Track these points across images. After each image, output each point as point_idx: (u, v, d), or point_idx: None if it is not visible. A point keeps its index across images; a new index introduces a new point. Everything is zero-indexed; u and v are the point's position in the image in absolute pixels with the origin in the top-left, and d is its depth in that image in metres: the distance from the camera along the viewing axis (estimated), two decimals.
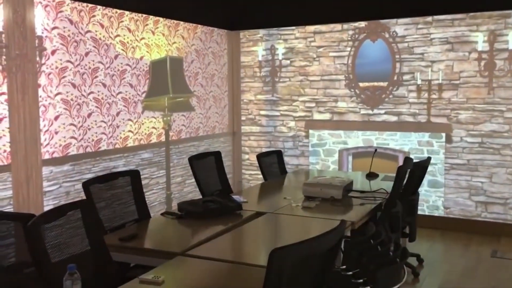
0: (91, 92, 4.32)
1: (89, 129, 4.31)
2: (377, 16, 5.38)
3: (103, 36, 4.41)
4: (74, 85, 4.15)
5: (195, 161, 3.82)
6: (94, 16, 4.30)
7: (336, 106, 5.72)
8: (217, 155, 4.11)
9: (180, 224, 2.92)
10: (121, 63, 4.61)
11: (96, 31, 4.33)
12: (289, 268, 1.46)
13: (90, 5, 4.25)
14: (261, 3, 5.66)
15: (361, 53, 5.56)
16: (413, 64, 5.29)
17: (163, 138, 5.14)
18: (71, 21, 4.09)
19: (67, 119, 4.11)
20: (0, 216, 2.02)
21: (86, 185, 2.72)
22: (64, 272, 1.83)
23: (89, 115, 4.31)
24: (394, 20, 5.34)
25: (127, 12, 4.65)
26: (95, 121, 4.37)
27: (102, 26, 4.39)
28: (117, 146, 4.60)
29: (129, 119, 4.75)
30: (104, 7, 4.38)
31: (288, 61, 5.94)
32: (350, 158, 5.71)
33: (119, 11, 4.56)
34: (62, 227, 2.07)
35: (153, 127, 5.05)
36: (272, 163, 4.69)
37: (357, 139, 5.63)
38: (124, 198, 3.03)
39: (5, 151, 3.64)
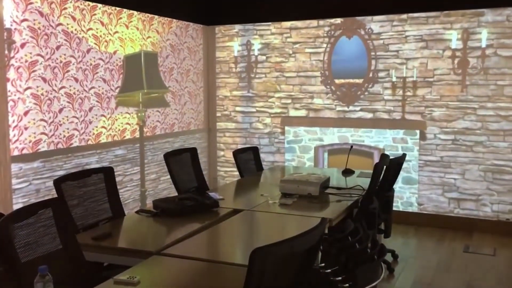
0: (63, 87, 4.20)
1: (60, 125, 4.18)
2: (353, 13, 5.40)
3: (75, 30, 4.29)
4: (44, 80, 4.02)
5: (170, 157, 3.75)
6: (65, 8, 4.17)
7: (312, 102, 5.72)
8: (192, 151, 4.04)
9: (156, 222, 2.86)
10: (94, 57, 4.49)
11: (67, 24, 4.20)
12: (270, 267, 1.43)
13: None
14: None
15: (337, 50, 5.57)
16: (388, 61, 5.33)
17: (137, 135, 5.05)
18: (41, 14, 3.96)
19: (37, 114, 3.98)
20: None
21: (58, 182, 2.63)
22: (35, 273, 1.76)
23: (61, 110, 4.19)
24: (369, 17, 5.36)
25: (99, 5, 4.53)
26: (67, 116, 4.25)
27: (74, 19, 4.27)
28: (89, 142, 4.49)
29: (102, 115, 4.63)
30: (76, 0, 4.27)
31: (264, 57, 5.91)
32: (326, 154, 5.73)
33: (91, 4, 4.44)
34: (32, 226, 1.99)
35: (127, 123, 4.95)
36: (249, 160, 4.66)
37: (332, 136, 5.65)
38: (97, 196, 2.95)
39: None
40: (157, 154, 5.34)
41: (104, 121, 4.65)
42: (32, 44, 3.90)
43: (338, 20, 5.51)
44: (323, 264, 2.16)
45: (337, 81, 5.59)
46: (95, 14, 4.49)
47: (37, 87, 3.97)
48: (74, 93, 4.31)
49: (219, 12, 6.03)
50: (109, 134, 4.72)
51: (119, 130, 4.84)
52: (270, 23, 5.84)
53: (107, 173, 3.03)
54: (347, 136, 5.58)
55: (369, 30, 5.38)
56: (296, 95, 5.80)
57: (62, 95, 4.19)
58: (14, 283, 1.94)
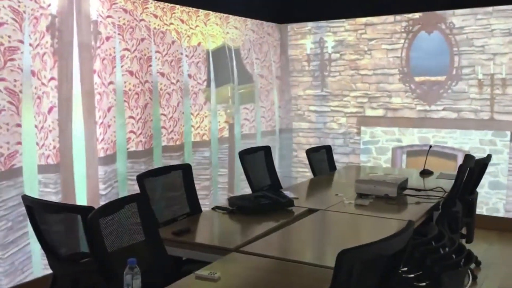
0: (146, 81, 4.18)
1: (145, 122, 4.11)
2: (432, 7, 5.17)
3: (158, 25, 4.33)
4: (131, 73, 4.02)
5: (245, 155, 3.79)
6: (147, 7, 4.30)
7: (390, 102, 5.52)
8: (266, 149, 4.07)
9: (231, 219, 2.89)
10: (177, 51, 4.47)
11: (149, 21, 4.29)
12: (356, 270, 1.39)
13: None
14: None
15: (415, 46, 5.35)
16: (473, 57, 5.03)
17: (225, 134, 4.79)
18: (125, 10, 4.08)
19: (126, 111, 3.97)
20: (62, 209, 2.05)
21: (141, 178, 2.73)
22: (119, 262, 1.84)
23: (146, 105, 4.13)
24: (450, 11, 5.10)
25: (178, 6, 4.65)
26: (149, 114, 4.18)
27: (156, 16, 4.36)
28: (177, 142, 4.37)
29: (190, 113, 4.48)
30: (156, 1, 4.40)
31: (338, 55, 5.80)
32: (404, 156, 5.51)
33: (170, 4, 4.56)
34: (119, 220, 2.08)
35: (217, 121, 4.75)
36: (322, 159, 4.60)
37: (412, 136, 5.41)
38: (176, 192, 3.03)
39: (54, 147, 3.51)
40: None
41: (192, 119, 4.52)
42: (118, 39, 3.96)
43: (416, 15, 5.30)
44: (405, 269, 2.07)
45: (416, 78, 5.37)
46: (174, 13, 4.58)
47: (125, 82, 3.97)
48: (161, 89, 4.25)
49: (292, 10, 6.00)
50: (197, 133, 4.58)
51: (207, 128, 4.65)
52: (344, 19, 5.72)
53: (186, 170, 3.10)
54: (428, 137, 5.32)
55: (451, 24, 5.12)
56: (373, 94, 5.63)
57: (147, 89, 4.18)
58: (101, 273, 2.04)
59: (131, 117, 4.15)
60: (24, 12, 3.29)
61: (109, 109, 3.95)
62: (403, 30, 5.39)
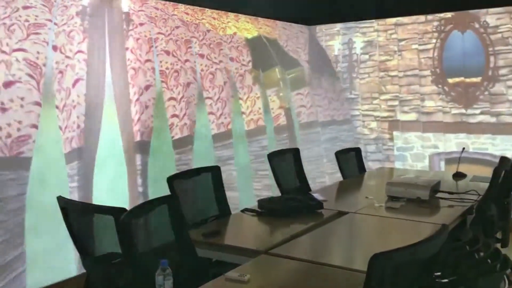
0: (187, 60, 3.95)
1: (189, 102, 3.85)
2: (464, 6, 5.05)
3: (190, 19, 4.25)
4: (167, 52, 3.83)
5: (274, 157, 3.79)
6: (177, 8, 4.33)
7: (423, 105, 5.37)
8: (295, 151, 4.06)
9: (261, 222, 2.89)
10: (214, 36, 4.27)
11: (182, 16, 4.25)
12: (389, 274, 1.37)
13: (171, 2, 4.32)
14: None
15: (448, 46, 5.23)
16: (510, 56, 4.87)
17: (282, 121, 4.32)
18: (156, 8, 4.08)
19: (165, 92, 3.72)
20: (94, 210, 2.09)
21: (171, 180, 2.75)
22: (150, 263, 1.86)
23: (188, 84, 3.86)
24: (484, 10, 4.97)
25: (207, 8, 4.68)
26: (193, 95, 3.91)
27: (187, 14, 4.37)
28: (226, 129, 4.00)
29: (240, 98, 4.18)
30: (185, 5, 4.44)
31: (367, 56, 5.74)
32: (443, 163, 5.27)
33: (198, 7, 4.60)
34: (150, 221, 2.11)
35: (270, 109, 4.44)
36: (351, 161, 4.56)
37: (449, 142, 5.18)
38: (205, 194, 3.05)
39: (78, 126, 3.22)
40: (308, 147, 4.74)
41: (241, 104, 4.19)
42: (151, 26, 3.86)
43: (449, 14, 5.19)
44: (439, 274, 2.03)
45: (450, 80, 5.21)
46: (204, 12, 4.58)
47: (160, 62, 3.75)
48: (202, 70, 3.96)
49: (320, 11, 5.96)
50: (250, 119, 4.20)
51: (261, 112, 4.29)
52: (373, 20, 5.65)
53: (215, 172, 3.12)
54: (467, 142, 5.09)
55: (484, 23, 4.99)
56: (404, 96, 5.49)
57: (187, 68, 3.92)
58: (133, 272, 2.07)
59: (172, 98, 3.86)
60: (55, 0, 3.24)
61: (147, 88, 3.69)
62: (434, 29, 5.29)
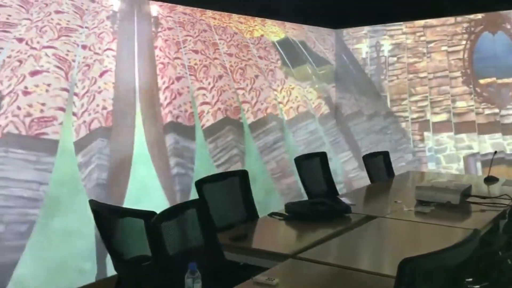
0: (216, 58, 4.10)
1: (223, 91, 4.02)
2: (495, 7, 4.95)
3: (217, 23, 4.39)
4: (196, 51, 4.00)
5: (301, 161, 3.79)
6: (204, 13, 4.40)
7: (454, 106, 5.27)
8: (322, 155, 4.04)
9: (288, 226, 2.89)
10: (242, 38, 4.44)
11: (209, 21, 4.37)
12: (418, 280, 1.35)
13: (199, 9, 4.38)
14: None
15: (478, 47, 5.13)
16: None
17: (325, 110, 4.53)
18: (184, 13, 4.19)
19: (193, 83, 3.90)
20: (125, 213, 2.13)
21: (199, 183, 2.79)
22: (179, 266, 1.88)
23: (220, 77, 4.03)
24: None
25: (233, 14, 4.73)
26: (228, 85, 4.08)
27: (214, 18, 4.46)
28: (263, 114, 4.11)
29: (273, 88, 4.35)
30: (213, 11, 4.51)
31: (395, 58, 5.67)
32: (479, 165, 5.11)
33: (225, 13, 4.65)
34: (180, 225, 2.14)
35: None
36: (379, 165, 4.51)
37: (484, 144, 5.06)
38: (232, 198, 3.07)
39: (105, 108, 3.39)
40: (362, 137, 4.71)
41: (276, 94, 4.34)
42: (179, 30, 4.04)
43: (479, 15, 5.09)
44: (470, 279, 1.99)
45: (481, 81, 5.10)
46: (231, 17, 4.65)
47: (189, 59, 3.96)
48: (231, 65, 4.12)
49: (347, 15, 5.93)
50: (289, 108, 4.31)
51: (300, 100, 4.43)
52: (401, 22, 5.59)
53: (242, 176, 3.14)
54: (503, 143, 4.95)
55: None
56: (435, 98, 5.40)
57: (217, 64, 4.09)
58: (162, 274, 2.10)
59: (201, 88, 4.04)
60: (87, 9, 3.45)
61: (178, 79, 3.86)
62: (464, 31, 5.20)
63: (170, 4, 4.09)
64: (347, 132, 4.52)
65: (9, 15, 2.99)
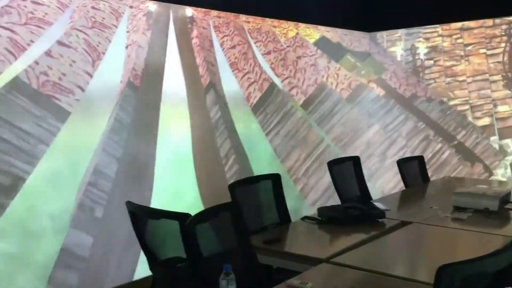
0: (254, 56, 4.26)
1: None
2: None
3: (251, 26, 4.49)
4: (233, 47, 4.18)
5: (333, 165, 3.76)
6: (238, 17, 4.46)
7: (496, 110, 5.13)
8: (355, 159, 4.01)
9: (321, 230, 2.88)
10: (277, 41, 4.54)
11: (242, 25, 4.46)
12: (457, 287, 1.33)
13: (232, 13, 4.43)
14: (400, 1, 5.40)
15: None
16: None
17: (380, 92, 4.73)
18: (219, 17, 4.28)
19: (244, 77, 4.18)
20: (161, 215, 2.17)
21: (232, 186, 2.81)
22: (214, 268, 1.91)
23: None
24: None
25: (266, 18, 4.75)
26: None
27: (248, 22, 4.52)
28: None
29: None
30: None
31: (432, 61, 5.57)
32: None
33: (259, 17, 4.68)
34: (214, 227, 2.16)
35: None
36: (414, 169, 4.43)
37: None
38: (265, 201, 3.08)
39: (135, 69, 3.54)
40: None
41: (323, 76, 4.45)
42: (214, 31, 4.17)
43: None
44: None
45: None
46: (265, 21, 4.68)
47: (229, 57, 4.13)
48: (270, 60, 4.24)
49: (381, 18, 5.87)
50: (341, 89, 4.44)
51: (347, 78, 4.59)
52: (437, 25, 5.49)
53: (275, 179, 3.14)
54: None
55: None
56: (475, 102, 5.27)
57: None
58: (197, 276, 2.13)
59: (245, 74, 4.24)
60: (123, 13, 3.54)
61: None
62: (503, 33, 5.06)
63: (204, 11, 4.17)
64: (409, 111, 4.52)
65: None
